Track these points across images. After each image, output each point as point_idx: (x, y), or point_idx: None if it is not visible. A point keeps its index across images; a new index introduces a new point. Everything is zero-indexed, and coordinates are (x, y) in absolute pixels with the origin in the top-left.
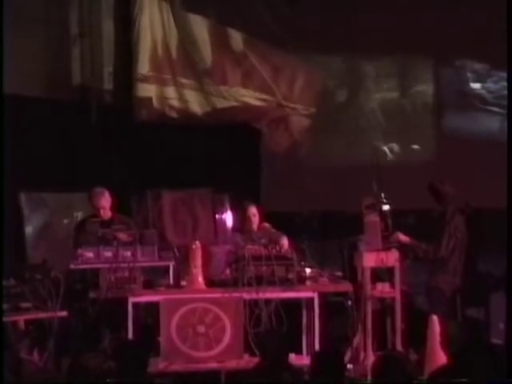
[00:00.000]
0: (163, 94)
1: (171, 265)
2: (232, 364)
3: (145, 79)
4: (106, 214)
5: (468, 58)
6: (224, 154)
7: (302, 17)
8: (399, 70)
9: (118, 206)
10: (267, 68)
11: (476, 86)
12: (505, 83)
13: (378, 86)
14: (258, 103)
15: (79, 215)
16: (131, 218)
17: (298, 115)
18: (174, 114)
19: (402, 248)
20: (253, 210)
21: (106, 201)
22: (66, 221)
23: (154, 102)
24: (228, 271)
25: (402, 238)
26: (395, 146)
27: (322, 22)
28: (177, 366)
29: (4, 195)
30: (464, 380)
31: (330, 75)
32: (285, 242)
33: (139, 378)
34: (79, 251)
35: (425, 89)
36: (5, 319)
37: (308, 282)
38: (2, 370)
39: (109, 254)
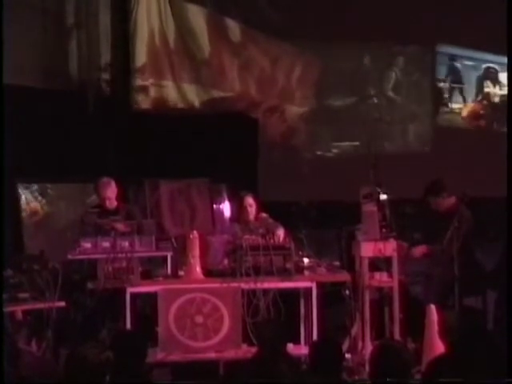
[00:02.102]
0: (160, 83)
1: (169, 255)
2: (230, 354)
3: (142, 69)
4: (112, 203)
5: (466, 48)
6: (222, 144)
7: (300, 5)
8: (397, 60)
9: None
10: (265, 58)
11: (473, 75)
12: (503, 74)
13: (376, 75)
14: (255, 93)
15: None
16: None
17: (295, 105)
18: (171, 104)
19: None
20: (249, 200)
21: (111, 191)
22: (63, 211)
23: (151, 91)
24: (226, 261)
25: (421, 250)
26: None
27: (320, 10)
28: (175, 357)
29: (2, 185)
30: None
31: (328, 64)
32: (281, 232)
33: (137, 369)
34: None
35: (422, 78)
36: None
37: (306, 272)
38: (2, 361)
39: (107, 244)
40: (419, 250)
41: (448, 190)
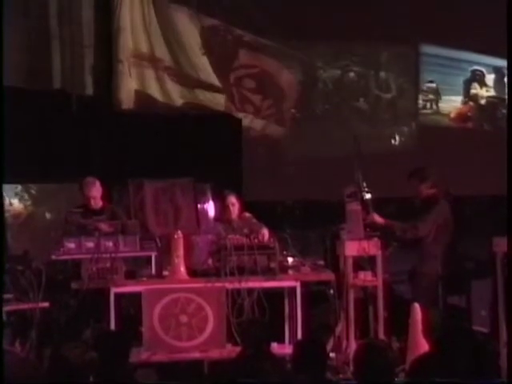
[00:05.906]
0: (144, 84)
1: (153, 255)
2: (215, 353)
3: (126, 69)
4: (97, 203)
5: (453, 46)
6: (206, 144)
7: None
8: (381, 58)
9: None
10: (250, 58)
11: (460, 77)
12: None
13: (360, 74)
14: (240, 94)
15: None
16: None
17: (280, 105)
18: (155, 104)
19: (380, 230)
20: (232, 199)
21: (96, 190)
22: (47, 211)
23: (135, 91)
24: (210, 261)
25: (378, 219)
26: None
27: (306, 9)
28: (159, 356)
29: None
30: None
31: (312, 63)
32: (266, 232)
33: (121, 369)
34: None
35: (406, 77)
36: None
37: (290, 271)
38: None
39: (90, 244)
40: (377, 218)
41: (433, 180)
